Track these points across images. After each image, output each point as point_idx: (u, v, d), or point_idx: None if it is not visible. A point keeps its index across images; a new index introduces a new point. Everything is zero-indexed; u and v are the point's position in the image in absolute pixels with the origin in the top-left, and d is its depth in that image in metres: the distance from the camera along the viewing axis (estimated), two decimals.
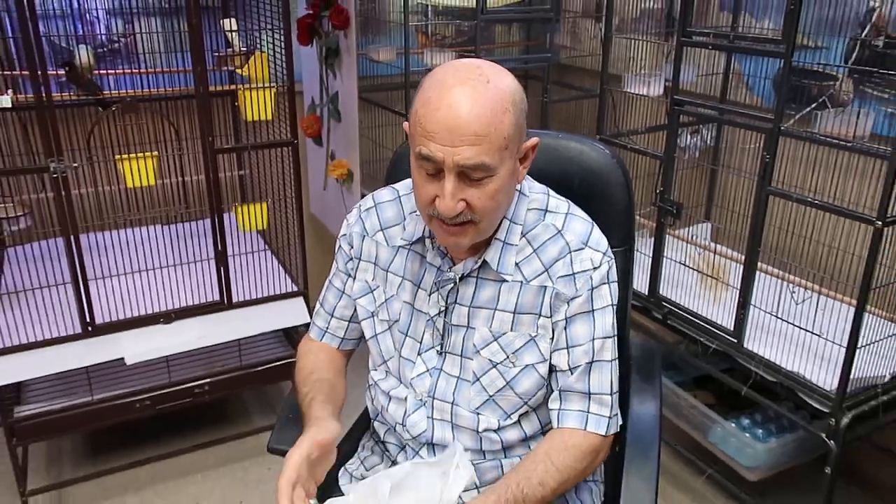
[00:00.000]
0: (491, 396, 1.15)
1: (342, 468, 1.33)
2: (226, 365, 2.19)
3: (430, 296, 1.17)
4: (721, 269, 2.00)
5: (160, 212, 2.19)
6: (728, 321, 1.85)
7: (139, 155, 1.80)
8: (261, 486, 2.25)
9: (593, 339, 1.12)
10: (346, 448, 1.38)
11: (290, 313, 2.18)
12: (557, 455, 1.10)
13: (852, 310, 1.60)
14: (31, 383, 2.10)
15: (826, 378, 1.66)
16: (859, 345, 1.58)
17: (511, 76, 1.04)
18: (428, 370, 1.18)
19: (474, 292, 1.15)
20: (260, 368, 2.22)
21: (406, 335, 1.20)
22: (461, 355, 1.16)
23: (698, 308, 1.96)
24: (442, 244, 1.13)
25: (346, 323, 1.29)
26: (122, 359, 1.96)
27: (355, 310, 1.27)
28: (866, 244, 1.56)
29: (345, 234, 1.27)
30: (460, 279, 1.15)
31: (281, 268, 2.29)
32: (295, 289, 2.21)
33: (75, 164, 1.75)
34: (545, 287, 1.12)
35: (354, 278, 1.26)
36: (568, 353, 1.12)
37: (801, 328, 1.74)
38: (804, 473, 2.07)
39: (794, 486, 2.10)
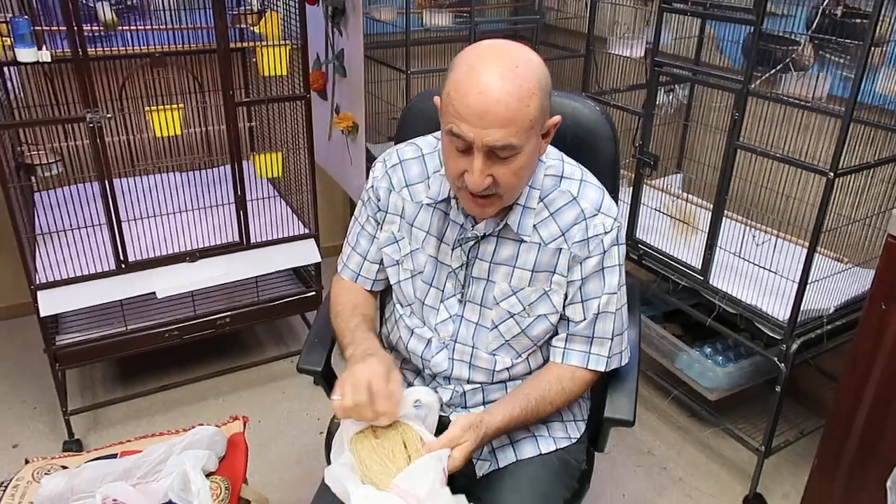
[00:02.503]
0: (507, 341, 1.25)
1: None
2: (244, 300, 2.29)
3: (452, 250, 1.24)
4: (691, 215, 2.12)
5: (185, 160, 2.25)
6: (696, 261, 1.98)
7: (167, 107, 1.85)
8: (276, 407, 2.38)
9: (602, 294, 1.22)
10: None
11: (302, 253, 2.27)
12: (567, 382, 1.23)
13: (804, 251, 1.72)
14: (67, 315, 2.18)
15: (780, 310, 1.80)
16: (809, 281, 1.71)
17: (538, 59, 1.07)
18: (451, 317, 1.27)
19: (495, 249, 1.22)
20: (274, 303, 2.32)
21: (430, 285, 1.27)
22: (481, 304, 1.25)
23: (670, 250, 2.08)
24: (468, 211, 1.19)
25: (378, 266, 1.34)
26: (153, 293, 2.05)
27: None
28: (819, 193, 1.68)
29: (372, 187, 1.31)
30: (482, 237, 1.22)
31: (291, 212, 2.37)
32: (306, 231, 2.29)
33: (109, 115, 1.80)
34: (561, 249, 1.20)
35: (381, 227, 1.31)
36: (581, 306, 1.22)
37: (760, 267, 1.87)
38: (756, 393, 2.25)
39: (748, 404, 2.27)
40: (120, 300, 2.04)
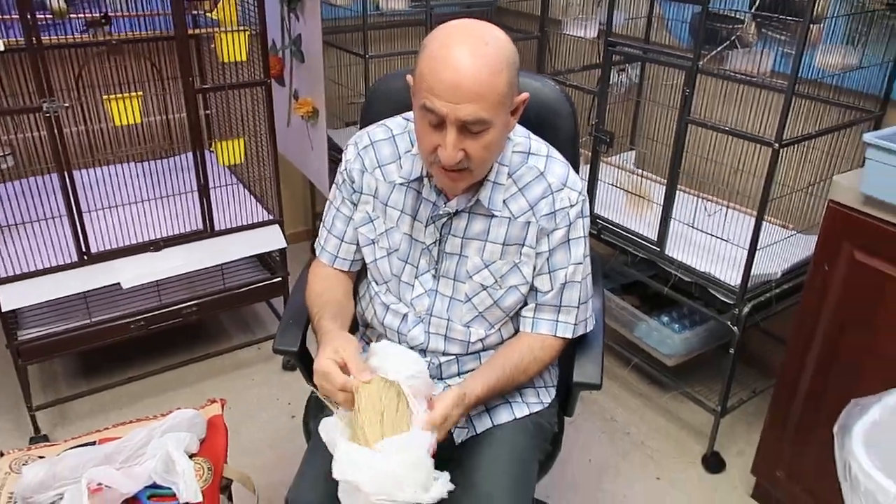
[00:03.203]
0: (480, 313, 1.30)
1: None
2: (210, 288, 2.28)
3: (425, 227, 1.28)
4: (646, 189, 2.20)
5: (146, 148, 2.22)
6: (652, 234, 2.06)
7: (125, 95, 1.83)
8: (245, 393, 2.39)
9: (568, 265, 1.27)
10: None
11: (267, 239, 2.28)
12: (539, 351, 1.29)
13: (753, 219, 1.82)
14: (27, 309, 2.14)
15: (731, 276, 1.89)
16: (758, 248, 1.81)
17: (506, 37, 1.12)
18: (426, 291, 1.31)
19: (467, 225, 1.26)
20: (240, 290, 2.32)
21: (406, 262, 1.31)
22: (454, 279, 1.29)
23: (627, 224, 2.16)
24: (440, 185, 1.23)
25: (355, 246, 1.36)
26: (117, 284, 2.03)
27: None
28: (765, 165, 1.77)
29: (345, 169, 1.33)
30: (454, 214, 1.26)
31: (254, 199, 2.36)
32: (271, 217, 2.30)
33: (66, 105, 1.77)
34: (530, 222, 1.25)
35: (356, 208, 1.34)
36: (549, 276, 1.28)
37: (712, 236, 1.97)
38: (711, 358, 2.35)
39: (704, 369, 2.38)
40: (83, 292, 2.02)
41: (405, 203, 1.29)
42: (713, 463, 2.10)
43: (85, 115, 1.99)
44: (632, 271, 2.21)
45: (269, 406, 2.34)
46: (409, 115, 1.32)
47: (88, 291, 2.03)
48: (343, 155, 1.35)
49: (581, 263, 1.29)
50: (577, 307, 1.31)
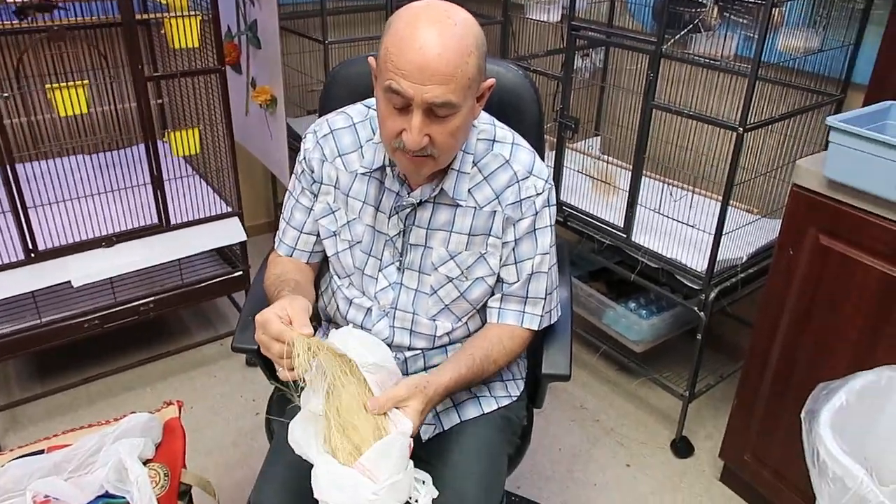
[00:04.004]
0: (446, 305, 1.26)
1: None
2: (168, 283, 2.21)
3: (389, 218, 1.23)
4: (612, 176, 2.18)
5: (95, 139, 2.13)
6: (618, 220, 2.04)
7: (69, 84, 1.74)
8: (207, 391, 2.32)
9: (535, 255, 1.24)
10: None
11: (227, 232, 2.20)
12: (507, 341, 1.25)
13: (718, 204, 1.81)
14: None
15: (698, 261, 1.88)
16: (724, 232, 1.80)
17: (473, 20, 1.07)
18: (390, 284, 1.26)
19: (431, 215, 1.22)
20: (200, 286, 2.25)
21: (369, 255, 1.26)
22: (419, 271, 1.25)
23: (593, 210, 2.13)
24: (404, 172, 1.18)
25: (315, 237, 1.31)
26: (68, 282, 1.94)
27: None
28: (730, 149, 1.75)
29: (304, 159, 1.27)
30: (418, 204, 1.21)
31: (212, 190, 2.29)
32: (229, 210, 2.22)
33: (6, 94, 1.67)
34: (496, 212, 1.21)
35: (317, 199, 1.28)
36: (515, 267, 1.24)
37: (678, 221, 1.95)
38: (678, 344, 2.35)
39: (671, 355, 2.38)
40: (31, 291, 1.93)
41: (367, 193, 1.24)
42: (682, 448, 2.10)
43: (27, 105, 1.89)
44: (598, 258, 2.19)
45: (231, 404, 2.28)
46: (371, 101, 1.27)
47: (37, 291, 1.94)
48: (301, 143, 1.29)
49: (548, 253, 1.26)
50: (544, 298, 1.28)
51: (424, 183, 1.20)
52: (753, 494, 1.91)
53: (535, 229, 1.23)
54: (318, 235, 1.31)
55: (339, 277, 1.32)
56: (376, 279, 1.27)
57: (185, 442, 1.37)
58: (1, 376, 2.34)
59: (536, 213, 1.22)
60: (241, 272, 2.32)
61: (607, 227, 2.08)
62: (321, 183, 1.27)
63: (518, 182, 1.21)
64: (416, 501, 1.03)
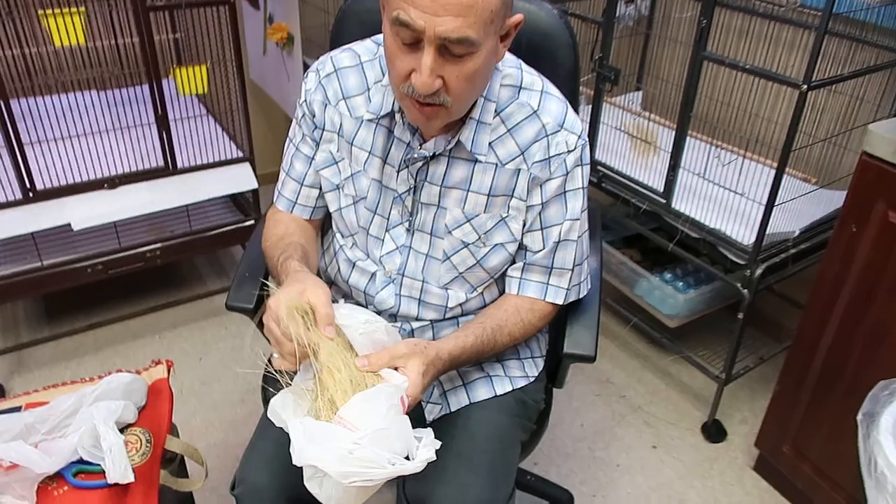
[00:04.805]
0: (460, 273, 1.12)
1: None
2: (175, 230, 2.10)
3: (398, 172, 1.09)
4: (653, 134, 1.99)
5: (94, 73, 2.00)
6: (658, 183, 1.86)
7: (64, 10, 1.60)
8: (218, 344, 2.24)
9: (563, 220, 1.09)
10: None
11: (237, 179, 2.08)
12: (526, 313, 1.11)
13: (772, 171, 1.62)
14: None
15: (744, 233, 1.71)
16: (777, 203, 1.61)
17: None
18: (398, 248, 1.13)
19: (446, 171, 1.07)
20: (210, 234, 2.14)
21: (374, 213, 1.12)
22: (431, 234, 1.11)
23: (631, 172, 1.95)
24: (413, 123, 1.02)
25: (318, 191, 1.18)
26: (69, 225, 1.84)
27: None
28: (790, 111, 1.55)
29: (305, 101, 1.13)
30: (431, 157, 1.06)
31: (225, 134, 2.16)
32: (240, 155, 2.09)
33: None
34: (520, 170, 1.05)
35: (318, 148, 1.15)
36: (541, 234, 1.09)
37: (725, 188, 1.77)
38: (714, 319, 2.19)
39: (707, 330, 2.22)
40: (31, 233, 1.84)
41: (374, 143, 1.09)
42: (714, 432, 1.96)
43: (19, 35, 1.76)
44: (634, 224, 2.02)
45: (242, 358, 2.19)
46: (380, 38, 1.11)
47: (37, 233, 1.85)
48: (302, 83, 1.15)
49: (578, 219, 1.10)
50: (572, 269, 1.13)
51: (439, 133, 1.04)
52: (789, 488, 1.76)
53: (564, 191, 1.08)
54: (320, 189, 1.18)
55: (342, 236, 1.19)
56: (382, 241, 1.13)
57: (172, 406, 1.26)
58: (10, 318, 2.29)
59: (567, 172, 1.06)
60: (252, 221, 2.20)
61: (645, 190, 1.90)
62: (323, 129, 1.13)
63: (547, 136, 1.05)
64: (416, 449, 0.87)
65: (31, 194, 1.79)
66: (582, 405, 2.07)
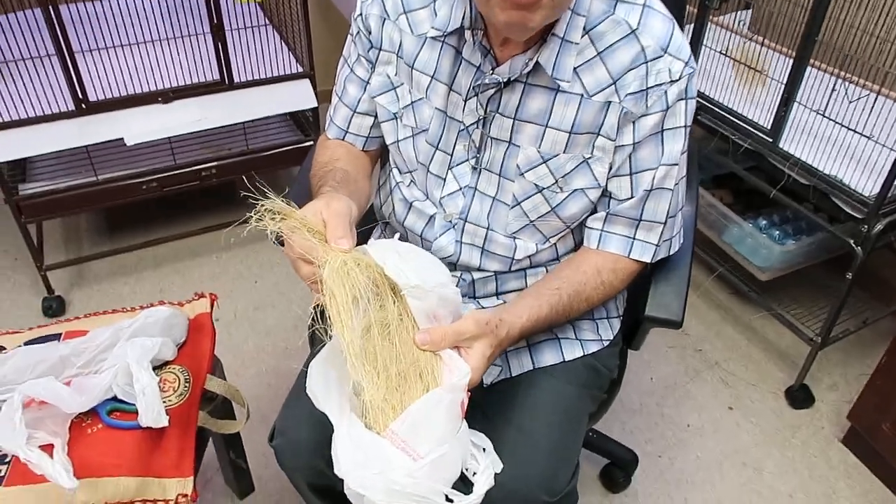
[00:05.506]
0: (531, 222, 0.96)
1: None
2: (232, 148, 2.01)
3: (465, 101, 0.93)
4: (762, 61, 1.73)
5: None
6: (765, 119, 1.62)
7: None
8: (274, 268, 2.18)
9: (658, 165, 0.91)
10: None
11: (296, 96, 1.94)
12: (608, 274, 0.96)
13: None
14: (35, 163, 1.94)
15: (866, 182, 1.47)
16: None
17: None
18: (461, 189, 0.98)
19: (521, 101, 0.90)
20: (267, 153, 2.03)
21: (436, 147, 0.97)
22: (500, 174, 0.95)
23: (733, 104, 1.72)
24: (503, 28, 0.83)
25: (373, 119, 1.04)
26: (122, 139, 1.77)
27: None
28: None
29: (360, 15, 0.98)
30: (505, 84, 0.90)
31: (284, 46, 2.01)
32: (300, 70, 1.95)
33: None
34: (610, 103, 0.88)
35: (374, 70, 1.00)
36: (630, 179, 0.92)
37: (848, 129, 1.51)
38: (812, 273, 1.97)
39: (802, 285, 2.00)
40: (85, 146, 1.77)
41: (439, 66, 0.93)
42: (799, 397, 1.79)
43: None
44: (729, 162, 1.79)
45: (298, 284, 2.12)
46: None
47: (92, 147, 1.78)
48: None
49: (676, 164, 0.93)
50: (664, 223, 0.96)
51: (515, 54, 0.87)
52: (883, 468, 1.59)
53: (661, 130, 0.90)
54: (375, 117, 1.03)
55: (398, 172, 1.05)
56: (444, 180, 0.99)
57: (214, 342, 1.19)
58: (73, 231, 2.28)
59: (667, 107, 0.88)
60: (311, 142, 2.08)
61: (749, 126, 1.67)
62: (380, 49, 0.97)
63: (646, 63, 0.86)
64: (473, 475, 0.78)
65: (83, 106, 1.70)
66: (653, 357, 1.92)
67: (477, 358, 0.80)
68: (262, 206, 0.79)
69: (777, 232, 1.86)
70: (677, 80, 0.87)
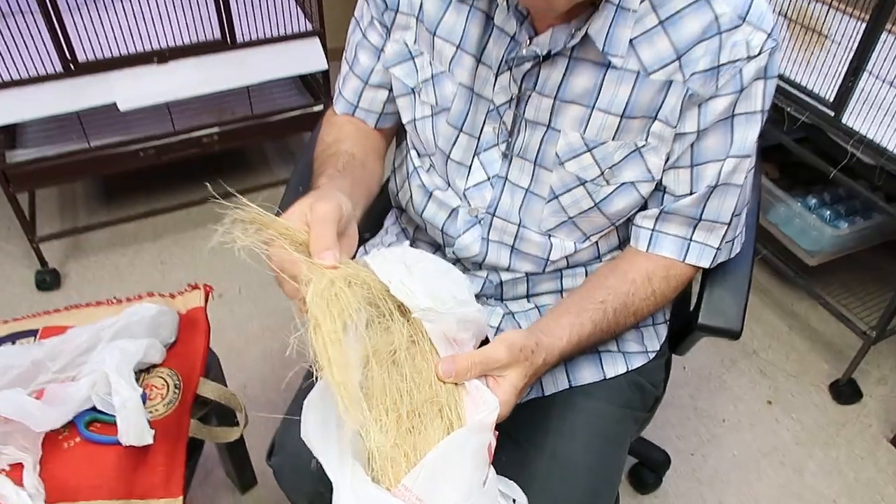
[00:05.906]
0: (570, 218, 0.82)
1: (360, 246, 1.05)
2: (235, 113, 1.86)
3: (496, 76, 0.78)
4: (823, 24, 1.55)
5: None
6: (827, 90, 1.45)
7: None
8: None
9: (726, 157, 0.76)
10: (367, 222, 1.08)
11: (304, 58, 1.78)
12: (658, 283, 0.81)
13: None
14: (25, 130, 1.81)
15: None
16: None
17: None
18: (489, 178, 0.83)
19: (563, 78, 0.75)
20: (274, 118, 1.89)
21: (460, 130, 0.82)
22: (535, 163, 0.80)
23: (790, 72, 1.54)
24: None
25: (387, 92, 0.90)
26: (115, 104, 1.63)
27: None
28: None
29: None
30: (544, 57, 0.75)
31: (293, 1, 1.84)
32: (309, 28, 1.78)
33: None
34: (672, 83, 0.72)
35: (389, 36, 0.85)
36: (690, 172, 0.77)
37: None
38: (864, 259, 1.82)
39: (853, 271, 1.85)
40: (76, 111, 1.63)
41: (466, 34, 0.78)
42: (846, 392, 1.65)
43: None
44: (781, 135, 1.62)
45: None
46: None
47: (82, 112, 1.64)
48: None
49: (748, 156, 0.78)
50: (728, 223, 0.81)
51: (558, 22, 0.72)
52: None
53: (733, 115, 0.75)
54: (390, 90, 0.89)
55: (417, 154, 0.91)
56: (469, 168, 0.84)
57: (208, 341, 1.07)
58: (69, 201, 2.16)
59: (741, 89, 0.73)
60: (321, 106, 1.93)
61: (808, 97, 1.49)
62: (396, 11, 0.82)
63: (720, 34, 0.71)
64: None
65: (71, 66, 1.56)
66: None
67: (507, 390, 0.67)
68: (232, 215, 0.64)
69: (828, 212, 1.70)
70: (756, 56, 0.71)
